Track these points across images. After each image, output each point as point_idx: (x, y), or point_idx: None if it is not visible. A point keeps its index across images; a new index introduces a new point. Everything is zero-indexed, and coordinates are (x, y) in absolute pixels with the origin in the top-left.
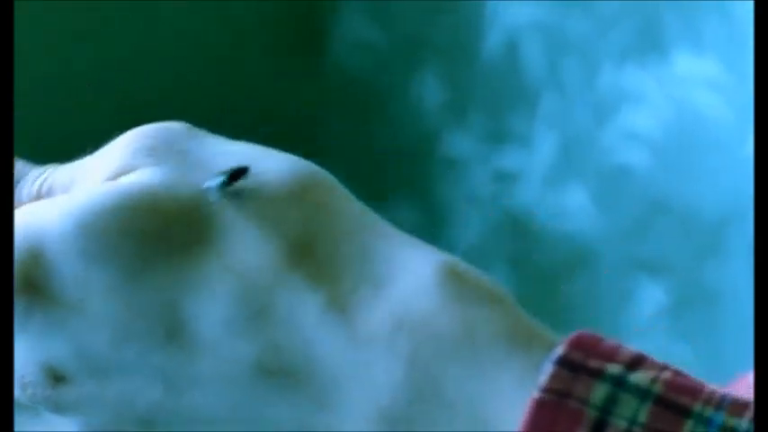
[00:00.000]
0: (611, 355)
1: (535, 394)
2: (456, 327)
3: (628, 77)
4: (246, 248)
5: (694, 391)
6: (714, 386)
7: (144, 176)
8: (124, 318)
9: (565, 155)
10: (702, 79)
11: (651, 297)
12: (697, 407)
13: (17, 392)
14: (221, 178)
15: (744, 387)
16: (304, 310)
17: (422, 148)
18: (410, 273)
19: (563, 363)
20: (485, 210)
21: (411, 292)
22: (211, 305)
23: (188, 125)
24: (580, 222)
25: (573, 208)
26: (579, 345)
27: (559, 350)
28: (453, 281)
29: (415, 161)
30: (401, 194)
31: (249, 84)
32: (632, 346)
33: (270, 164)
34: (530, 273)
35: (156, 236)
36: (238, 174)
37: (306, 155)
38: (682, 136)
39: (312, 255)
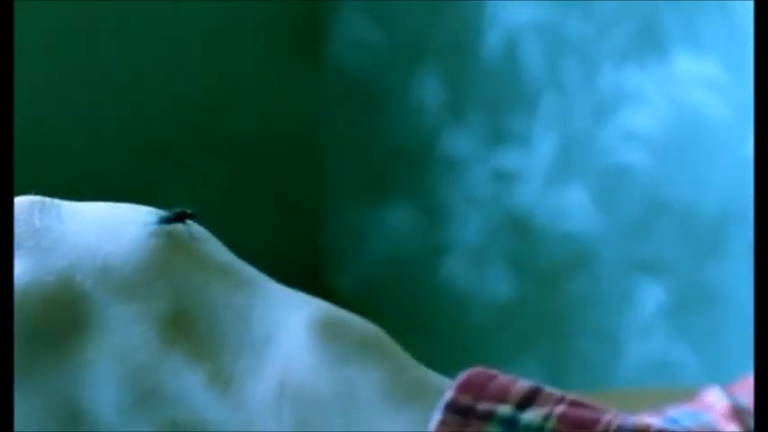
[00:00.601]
0: (501, 394)
1: None
2: (336, 387)
3: (627, 77)
4: (123, 331)
5: (589, 423)
6: (613, 413)
7: None
8: (20, 421)
9: (564, 155)
10: (702, 79)
11: (651, 297)
12: None
13: None
14: (167, 215)
15: (745, 388)
16: (191, 387)
17: (422, 148)
18: (286, 334)
19: (452, 408)
20: (485, 210)
21: (289, 356)
22: (103, 392)
23: (39, 199)
24: (580, 222)
25: (573, 208)
26: (468, 387)
27: (448, 395)
28: (328, 336)
29: (414, 161)
30: (401, 194)
31: (250, 84)
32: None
33: (130, 232)
34: (530, 273)
35: (30, 334)
36: (183, 216)
37: (306, 155)
38: (681, 136)
39: (188, 329)
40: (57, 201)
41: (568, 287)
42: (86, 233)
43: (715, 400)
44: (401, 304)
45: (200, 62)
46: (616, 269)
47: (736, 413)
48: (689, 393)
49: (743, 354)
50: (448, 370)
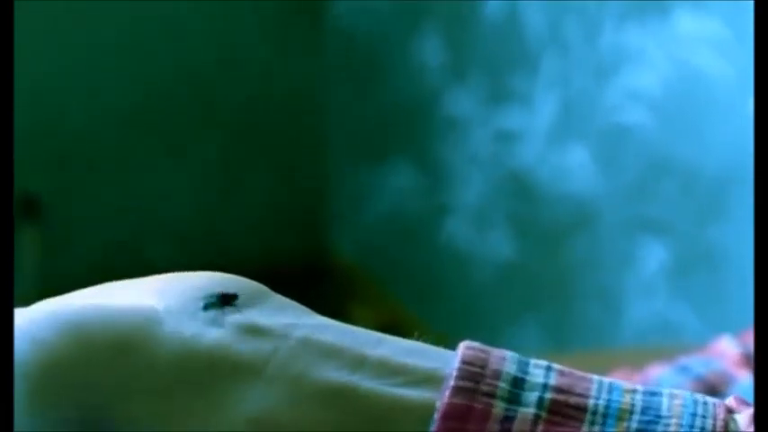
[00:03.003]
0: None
1: None
2: None
3: (629, 37)
4: None
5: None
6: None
7: None
8: None
9: (566, 115)
10: (704, 38)
11: (653, 257)
12: None
13: None
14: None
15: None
16: None
17: (423, 109)
18: None
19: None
20: (486, 170)
21: None
22: None
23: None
24: (581, 182)
25: (574, 168)
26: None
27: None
28: None
29: (416, 122)
30: (402, 155)
31: (251, 47)
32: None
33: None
34: (531, 233)
35: None
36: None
37: (307, 117)
38: (683, 95)
39: None
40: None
41: (570, 247)
42: None
43: (726, 348)
44: (402, 265)
45: (200, 27)
46: (618, 229)
47: (748, 360)
48: (691, 352)
49: (744, 313)
50: (449, 331)
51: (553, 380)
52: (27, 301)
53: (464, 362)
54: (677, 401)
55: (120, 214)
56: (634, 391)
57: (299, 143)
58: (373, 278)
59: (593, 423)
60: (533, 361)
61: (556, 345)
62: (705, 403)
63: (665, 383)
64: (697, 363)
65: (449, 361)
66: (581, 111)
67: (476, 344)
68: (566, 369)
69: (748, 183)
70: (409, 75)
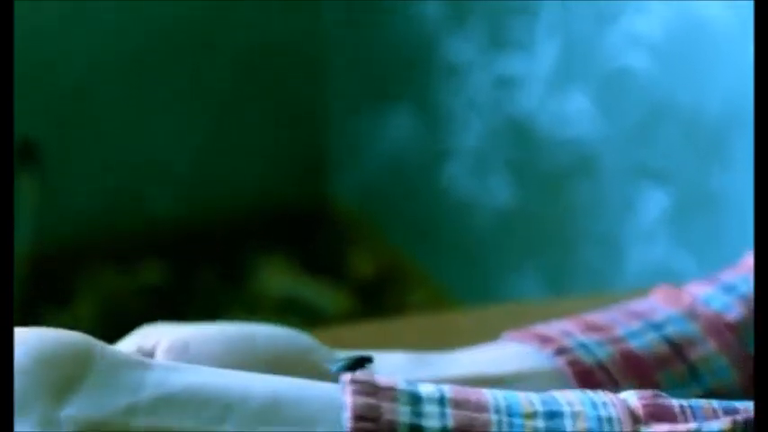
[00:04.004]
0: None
1: None
2: None
3: None
4: None
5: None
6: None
7: None
8: None
9: (566, 60)
10: None
11: (653, 202)
12: None
13: None
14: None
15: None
16: None
17: (423, 55)
18: None
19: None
20: (486, 116)
21: None
22: None
23: None
24: (582, 128)
25: (575, 113)
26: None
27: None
28: None
29: (416, 68)
30: (402, 101)
31: None
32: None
33: None
34: (531, 179)
35: None
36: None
37: (307, 62)
38: (684, 39)
39: None
40: None
41: (571, 193)
42: None
43: None
44: (401, 211)
45: None
46: (618, 175)
47: None
48: None
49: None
50: (449, 276)
51: (450, 420)
52: (24, 246)
53: (356, 416)
54: (581, 424)
55: (119, 160)
56: (535, 415)
57: (299, 90)
58: (373, 224)
59: None
60: (424, 392)
61: (556, 290)
62: (610, 419)
63: (713, 302)
64: (740, 280)
65: (325, 416)
66: (581, 56)
67: (361, 379)
68: (459, 394)
69: (749, 128)
70: (409, 21)
